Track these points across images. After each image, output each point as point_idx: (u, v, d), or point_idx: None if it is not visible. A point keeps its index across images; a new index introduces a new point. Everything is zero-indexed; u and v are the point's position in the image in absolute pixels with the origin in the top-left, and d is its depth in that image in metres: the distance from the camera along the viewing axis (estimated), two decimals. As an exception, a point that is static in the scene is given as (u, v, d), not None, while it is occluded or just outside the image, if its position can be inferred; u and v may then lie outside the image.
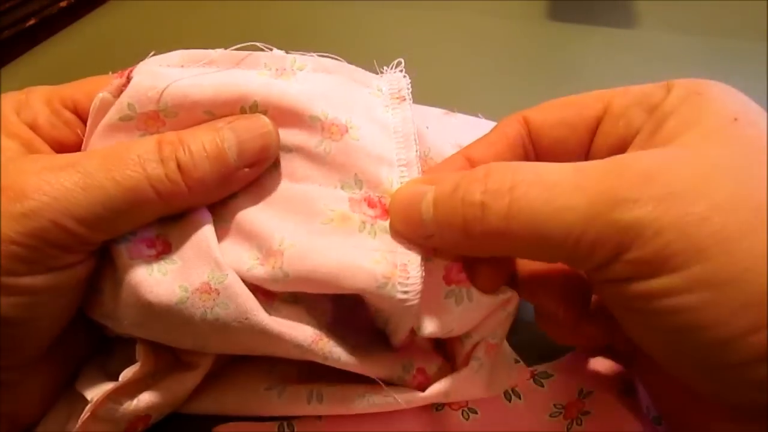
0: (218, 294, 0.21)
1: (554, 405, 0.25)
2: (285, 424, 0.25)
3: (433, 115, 0.38)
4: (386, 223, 0.22)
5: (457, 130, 0.35)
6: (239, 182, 0.22)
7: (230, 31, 0.56)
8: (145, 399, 0.23)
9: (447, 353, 0.26)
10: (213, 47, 0.23)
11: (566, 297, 0.23)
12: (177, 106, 0.22)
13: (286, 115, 0.22)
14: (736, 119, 0.18)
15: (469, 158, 0.23)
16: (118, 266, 0.22)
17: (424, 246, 0.22)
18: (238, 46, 0.23)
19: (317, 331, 0.23)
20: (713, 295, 0.16)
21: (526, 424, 0.25)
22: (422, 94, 0.37)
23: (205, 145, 0.21)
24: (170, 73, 0.22)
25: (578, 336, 0.24)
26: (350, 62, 0.25)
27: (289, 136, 0.22)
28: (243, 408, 0.25)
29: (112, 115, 0.22)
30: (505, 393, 0.26)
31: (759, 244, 0.16)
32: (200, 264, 0.21)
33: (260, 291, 0.22)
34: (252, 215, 0.22)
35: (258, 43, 0.23)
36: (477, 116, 0.37)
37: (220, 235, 0.22)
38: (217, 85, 0.22)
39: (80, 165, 0.20)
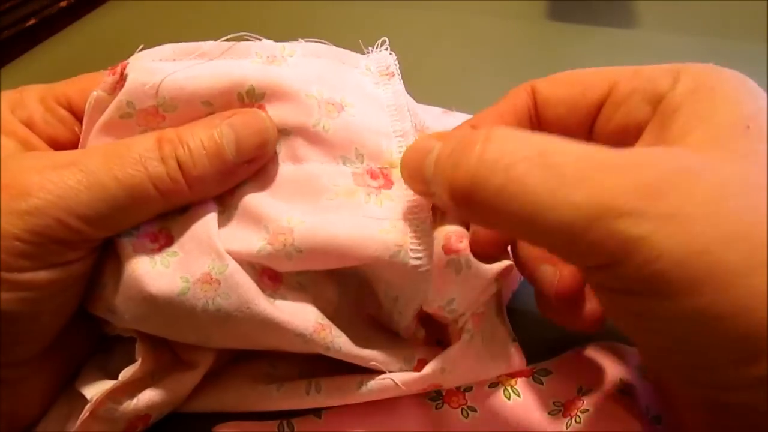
0: (219, 284, 0.21)
1: (553, 403, 0.25)
2: (285, 423, 0.25)
3: (433, 114, 0.39)
4: (391, 192, 0.22)
5: (457, 130, 0.35)
6: (239, 177, 0.22)
7: (230, 30, 0.56)
8: (145, 398, 0.23)
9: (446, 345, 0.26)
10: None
11: (563, 271, 0.23)
12: (175, 99, 0.22)
13: (283, 97, 0.22)
14: (748, 127, 0.18)
15: (476, 127, 0.23)
16: (121, 260, 0.22)
17: (430, 203, 0.22)
18: (227, 37, 0.23)
19: (320, 321, 0.23)
20: (702, 329, 0.15)
21: (526, 422, 0.25)
22: (422, 94, 0.37)
23: (203, 142, 0.21)
24: (164, 68, 0.22)
25: (578, 316, 0.23)
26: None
27: (287, 117, 0.23)
28: (242, 404, 0.25)
29: (111, 113, 0.22)
30: (504, 391, 0.26)
31: (756, 282, 0.15)
32: (201, 255, 0.21)
33: (267, 275, 0.23)
34: (258, 199, 0.22)
35: (247, 34, 0.24)
36: (476, 116, 0.37)
37: (228, 222, 0.23)
38: (213, 75, 0.22)
39: (82, 163, 0.20)
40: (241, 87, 0.22)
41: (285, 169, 0.23)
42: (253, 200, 0.22)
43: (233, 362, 0.27)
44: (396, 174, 0.23)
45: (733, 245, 0.15)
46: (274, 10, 0.58)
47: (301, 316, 0.22)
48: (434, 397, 0.26)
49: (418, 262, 0.21)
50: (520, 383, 0.26)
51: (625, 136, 0.21)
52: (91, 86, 0.23)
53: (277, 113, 0.22)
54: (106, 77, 0.23)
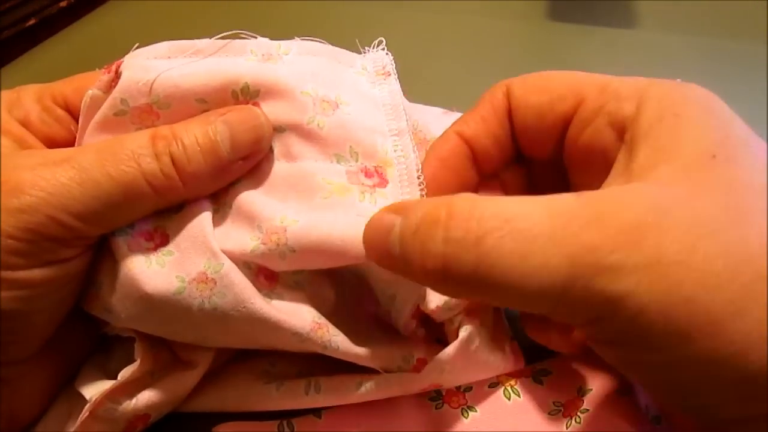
0: (215, 283, 0.21)
1: (553, 403, 0.25)
2: (285, 423, 0.25)
3: (433, 114, 0.39)
4: (385, 191, 0.22)
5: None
6: (233, 174, 0.22)
7: (230, 30, 0.56)
8: (144, 398, 0.23)
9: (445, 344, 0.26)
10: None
11: None
12: (169, 96, 0.22)
13: (277, 94, 0.22)
14: (714, 156, 0.17)
15: (461, 135, 0.24)
16: (116, 259, 0.22)
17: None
18: (223, 34, 0.23)
19: (317, 320, 0.23)
20: (699, 373, 0.15)
21: (525, 422, 0.25)
22: (422, 94, 0.37)
23: (198, 138, 0.21)
24: (159, 65, 0.22)
25: (566, 339, 0.23)
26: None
27: (281, 115, 0.23)
28: (242, 404, 0.25)
29: (105, 111, 0.22)
30: (504, 391, 0.26)
31: (744, 325, 0.15)
32: (196, 254, 0.21)
33: (263, 274, 0.23)
34: (252, 198, 0.22)
35: (242, 32, 0.24)
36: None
37: (222, 221, 0.23)
38: (207, 72, 0.22)
39: (75, 160, 0.20)
40: (235, 84, 0.22)
41: (279, 167, 0.23)
42: (247, 199, 0.22)
43: (232, 361, 0.27)
44: (391, 173, 0.23)
45: (714, 290, 0.15)
46: (274, 11, 0.58)
47: (298, 315, 0.22)
48: (434, 397, 0.26)
49: None
50: (520, 383, 0.26)
51: (592, 155, 0.21)
52: (88, 85, 0.23)
53: (271, 110, 0.22)
54: (102, 75, 0.23)
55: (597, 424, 0.24)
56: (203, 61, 0.23)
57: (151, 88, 0.22)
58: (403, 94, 0.25)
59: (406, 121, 0.24)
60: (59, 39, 0.56)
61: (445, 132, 0.24)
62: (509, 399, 0.26)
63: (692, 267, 0.15)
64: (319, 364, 0.24)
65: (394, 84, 0.25)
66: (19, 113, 0.24)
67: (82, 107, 0.23)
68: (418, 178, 0.23)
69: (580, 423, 0.24)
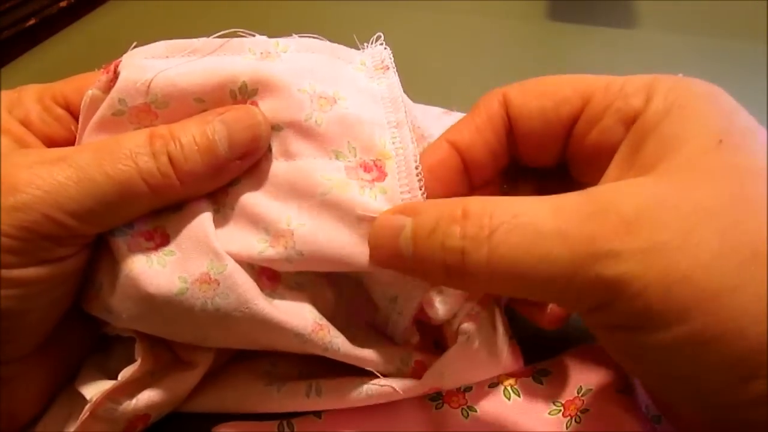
0: (218, 284, 0.21)
1: (553, 403, 0.25)
2: (285, 423, 0.25)
3: (433, 114, 0.39)
4: (384, 184, 0.22)
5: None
6: (231, 174, 0.22)
7: (229, 30, 0.56)
8: (145, 398, 0.23)
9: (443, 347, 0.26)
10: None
11: None
12: (167, 96, 0.22)
13: (275, 92, 0.22)
14: (720, 141, 0.18)
15: (454, 144, 0.23)
16: (117, 260, 0.22)
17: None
18: (220, 33, 0.23)
19: (318, 321, 0.23)
20: (700, 351, 0.16)
21: (525, 422, 0.25)
22: (422, 94, 0.37)
23: (195, 137, 0.21)
24: (156, 65, 0.22)
25: (544, 312, 0.24)
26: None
27: (279, 113, 0.22)
28: (242, 405, 0.25)
29: (104, 111, 0.22)
30: (504, 391, 0.26)
31: (741, 301, 0.15)
32: (198, 255, 0.21)
33: (266, 275, 0.23)
34: (253, 199, 0.22)
35: (240, 30, 0.23)
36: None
37: (224, 223, 0.23)
38: (205, 71, 0.22)
39: (72, 159, 0.20)
40: (233, 83, 0.22)
41: (278, 166, 0.23)
42: (249, 200, 0.22)
43: (233, 362, 0.27)
44: (390, 165, 0.22)
45: (711, 269, 0.16)
46: (274, 10, 0.58)
47: (300, 316, 0.22)
48: (434, 397, 0.26)
49: None
50: (520, 383, 0.26)
51: (600, 155, 0.21)
52: (88, 85, 0.23)
53: (269, 108, 0.22)
54: (101, 75, 0.23)
55: (597, 424, 0.24)
56: (201, 61, 0.23)
57: (149, 87, 0.22)
58: (403, 93, 0.25)
59: (405, 112, 0.23)
60: (59, 39, 0.56)
61: (436, 140, 0.24)
62: (509, 399, 0.26)
63: (688, 249, 0.16)
64: (320, 366, 0.24)
65: (392, 77, 0.25)
66: (19, 113, 0.24)
67: (81, 107, 0.23)
68: (417, 169, 0.22)
69: (580, 423, 0.24)
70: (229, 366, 0.26)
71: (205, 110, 0.22)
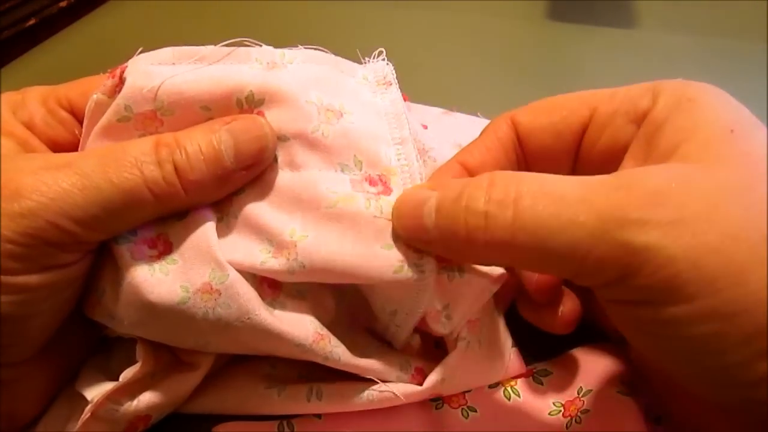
0: (219, 294, 0.21)
1: (553, 403, 0.26)
2: (285, 423, 0.25)
3: (433, 114, 0.39)
4: (390, 199, 0.22)
5: (457, 130, 0.35)
6: (236, 184, 0.22)
7: (229, 30, 0.56)
8: (146, 399, 0.23)
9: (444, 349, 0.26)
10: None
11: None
12: (173, 103, 0.22)
13: (282, 103, 0.22)
14: (732, 131, 0.18)
15: (464, 164, 0.24)
16: (119, 267, 0.22)
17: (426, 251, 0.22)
18: (227, 42, 0.23)
19: (319, 331, 0.23)
20: (723, 326, 0.16)
21: (526, 422, 0.25)
22: (422, 94, 0.37)
23: (201, 147, 0.21)
24: (163, 72, 0.22)
25: (554, 315, 0.24)
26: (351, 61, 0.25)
27: (285, 124, 0.22)
28: (243, 407, 0.25)
29: (109, 116, 0.22)
30: (504, 391, 0.26)
31: (764, 276, 0.15)
32: (200, 264, 0.21)
33: (267, 283, 0.23)
34: (257, 209, 0.22)
35: (247, 39, 0.23)
36: (476, 116, 0.38)
37: (228, 231, 0.23)
38: (212, 80, 0.22)
39: (77, 165, 0.20)
40: (240, 92, 0.22)
41: (283, 176, 0.23)
42: (253, 210, 0.22)
43: (233, 363, 0.27)
44: (395, 181, 0.23)
45: (740, 242, 0.16)
46: (274, 10, 0.58)
47: (301, 326, 0.22)
48: (434, 397, 0.26)
49: (420, 275, 0.21)
50: (520, 383, 0.26)
51: (612, 158, 0.21)
52: (93, 89, 0.23)
53: (276, 119, 0.22)
54: (106, 80, 0.23)
55: (598, 425, 0.24)
56: (208, 69, 0.22)
57: (155, 94, 0.21)
58: (403, 94, 0.25)
59: (409, 129, 0.23)
60: (59, 39, 0.56)
61: (447, 162, 0.24)
62: (509, 399, 0.26)
63: (715, 221, 0.16)
64: (320, 368, 0.24)
65: (395, 93, 0.24)
66: (23, 115, 0.24)
67: (86, 111, 0.23)
68: None
69: (580, 423, 0.24)
70: (230, 367, 0.26)
71: (211, 118, 0.22)
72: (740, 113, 0.19)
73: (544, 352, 0.27)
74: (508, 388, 0.26)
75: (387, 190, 0.22)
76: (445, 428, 0.25)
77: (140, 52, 0.23)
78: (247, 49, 0.23)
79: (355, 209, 0.21)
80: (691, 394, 0.20)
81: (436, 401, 0.26)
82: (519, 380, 0.27)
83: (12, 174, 0.20)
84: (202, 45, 0.23)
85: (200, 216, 0.22)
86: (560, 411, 0.25)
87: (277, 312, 0.22)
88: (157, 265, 0.21)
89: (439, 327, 0.24)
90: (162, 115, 0.22)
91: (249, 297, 0.21)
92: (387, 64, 0.25)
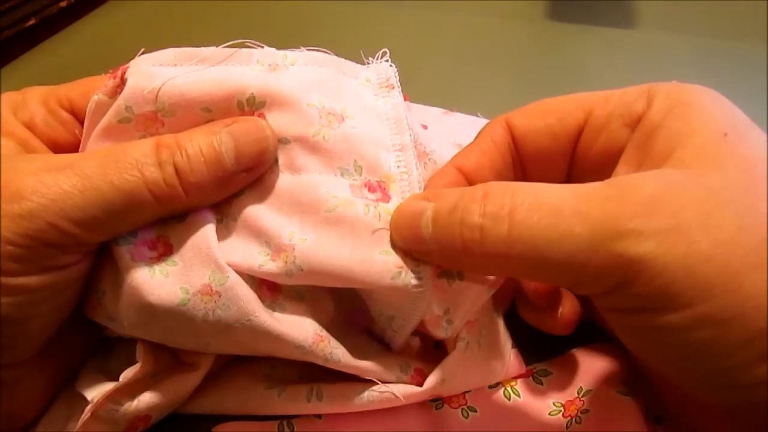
0: (219, 296, 0.21)
1: (553, 403, 0.26)
2: (285, 423, 0.25)
3: (433, 114, 0.39)
4: (389, 206, 0.22)
5: (456, 130, 0.35)
6: (236, 186, 0.22)
7: (230, 30, 0.56)
8: (146, 399, 0.23)
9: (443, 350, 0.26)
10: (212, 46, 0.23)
11: None
12: (174, 104, 0.22)
13: (283, 106, 0.22)
14: (726, 134, 0.18)
15: (461, 169, 0.24)
16: (120, 268, 0.22)
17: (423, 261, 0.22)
18: (229, 43, 0.23)
19: (318, 332, 0.23)
20: (719, 331, 0.16)
21: (526, 423, 0.25)
22: (422, 94, 0.37)
23: (202, 148, 0.21)
24: (164, 73, 0.22)
25: (552, 317, 0.24)
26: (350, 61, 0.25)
27: (286, 126, 0.22)
28: (243, 407, 0.25)
29: (110, 117, 0.22)
30: (504, 391, 0.26)
31: (761, 280, 0.16)
32: (200, 266, 0.21)
33: (266, 285, 0.23)
34: (257, 211, 0.22)
35: (249, 41, 0.23)
36: (476, 116, 0.37)
37: (227, 233, 0.23)
38: (213, 81, 0.22)
39: (77, 167, 0.20)
40: (241, 94, 0.22)
41: (283, 179, 0.22)
42: (252, 212, 0.22)
43: (233, 364, 0.27)
44: (394, 188, 0.23)
45: (733, 248, 0.16)
46: (274, 10, 0.58)
47: (300, 328, 0.22)
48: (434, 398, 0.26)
49: (418, 282, 0.21)
50: (520, 383, 0.26)
51: (608, 162, 0.21)
52: (94, 89, 0.23)
53: (277, 122, 0.22)
54: (107, 81, 0.22)
55: (598, 425, 0.24)
56: (209, 70, 0.22)
57: (156, 95, 0.21)
58: (403, 94, 0.25)
59: (410, 135, 0.23)
60: (59, 39, 0.56)
61: (444, 167, 0.24)
62: (509, 399, 0.26)
63: (708, 229, 0.16)
64: (320, 368, 0.24)
65: (397, 97, 0.24)
66: (24, 115, 0.24)
67: (87, 112, 0.23)
68: None
69: (580, 423, 0.24)
70: (230, 368, 0.26)
71: (212, 120, 0.22)
72: (735, 116, 0.19)
73: (544, 352, 0.27)
74: (508, 389, 0.26)
75: (386, 197, 0.22)
76: (445, 428, 0.25)
77: (142, 53, 0.23)
78: (248, 50, 0.23)
79: (354, 215, 0.21)
80: (690, 395, 0.20)
81: (436, 402, 0.26)
82: (519, 380, 0.27)
83: (12, 175, 0.20)
84: (204, 46, 0.23)
85: (200, 218, 0.22)
86: (560, 411, 0.25)
87: (276, 314, 0.22)
88: (157, 267, 0.21)
89: (440, 332, 0.24)
90: (163, 117, 0.22)
91: (249, 299, 0.21)
92: (390, 65, 0.25)
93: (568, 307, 0.25)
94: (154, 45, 0.23)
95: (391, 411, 0.25)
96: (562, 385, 0.26)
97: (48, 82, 0.26)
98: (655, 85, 0.21)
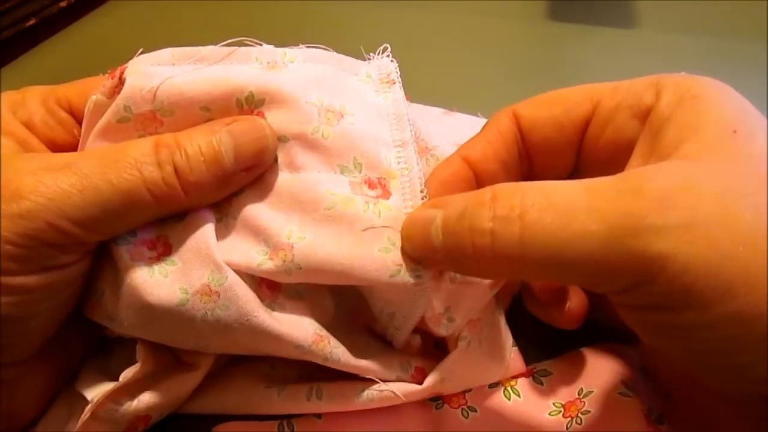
0: (219, 296, 0.21)
1: (554, 403, 0.26)
2: (285, 423, 0.25)
3: (433, 114, 0.39)
4: (389, 203, 0.22)
5: (457, 130, 0.35)
6: (236, 185, 0.22)
7: (230, 30, 0.56)
8: (146, 399, 0.23)
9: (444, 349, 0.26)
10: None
11: None
12: (173, 104, 0.22)
13: (282, 104, 0.22)
14: (735, 131, 0.18)
15: (467, 159, 0.23)
16: (119, 268, 0.22)
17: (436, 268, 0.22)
18: (227, 41, 0.23)
19: (318, 332, 0.23)
20: (740, 330, 0.16)
21: (526, 423, 0.25)
22: (422, 94, 0.37)
23: (201, 148, 0.21)
24: (163, 72, 0.22)
25: (560, 311, 0.24)
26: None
27: (285, 124, 0.22)
28: (243, 407, 0.25)
29: (109, 117, 0.22)
30: (504, 391, 0.26)
31: None
32: (200, 266, 0.21)
33: (266, 284, 0.23)
34: (256, 210, 0.22)
35: (247, 39, 0.23)
36: (476, 116, 0.38)
37: (226, 232, 0.23)
38: (212, 80, 0.22)
39: (76, 166, 0.20)
40: (240, 93, 0.22)
41: (283, 177, 0.22)
42: (252, 211, 0.22)
43: (233, 363, 0.27)
44: (394, 184, 0.22)
45: (753, 246, 0.16)
46: (274, 10, 0.58)
47: (300, 327, 0.22)
48: (434, 397, 0.26)
49: (417, 279, 0.21)
50: (520, 383, 0.26)
51: (616, 153, 0.21)
52: (93, 89, 0.23)
53: (276, 120, 0.22)
54: (105, 81, 0.22)
55: (598, 425, 0.24)
56: (208, 69, 0.22)
57: (154, 95, 0.21)
58: (404, 94, 0.25)
59: (410, 131, 0.23)
60: (59, 39, 0.56)
61: (449, 156, 0.24)
62: (509, 399, 0.26)
63: (727, 226, 0.16)
64: (320, 367, 0.24)
65: (398, 93, 0.24)
66: (23, 115, 0.24)
67: (85, 112, 0.23)
68: (422, 192, 0.22)
69: (581, 424, 0.24)
70: (230, 367, 0.26)
71: (210, 119, 0.22)
72: (744, 110, 0.19)
73: (545, 352, 0.27)
74: (509, 388, 0.26)
75: (386, 194, 0.22)
76: (445, 428, 0.25)
77: (140, 53, 0.23)
78: (247, 48, 0.23)
79: (354, 212, 0.21)
80: (699, 386, 0.20)
81: (436, 401, 0.26)
82: (519, 380, 0.27)
83: (11, 175, 0.20)
84: (202, 45, 0.23)
85: (200, 217, 0.22)
86: (560, 411, 0.25)
87: (276, 313, 0.22)
88: (156, 267, 0.21)
89: (441, 329, 0.24)
90: (161, 116, 0.22)
91: (248, 299, 0.21)
92: (391, 61, 0.25)
93: (575, 302, 0.24)
94: (154, 45, 0.23)
95: (391, 410, 0.25)
96: (563, 385, 0.26)
97: (48, 82, 0.26)
98: (664, 76, 0.21)
